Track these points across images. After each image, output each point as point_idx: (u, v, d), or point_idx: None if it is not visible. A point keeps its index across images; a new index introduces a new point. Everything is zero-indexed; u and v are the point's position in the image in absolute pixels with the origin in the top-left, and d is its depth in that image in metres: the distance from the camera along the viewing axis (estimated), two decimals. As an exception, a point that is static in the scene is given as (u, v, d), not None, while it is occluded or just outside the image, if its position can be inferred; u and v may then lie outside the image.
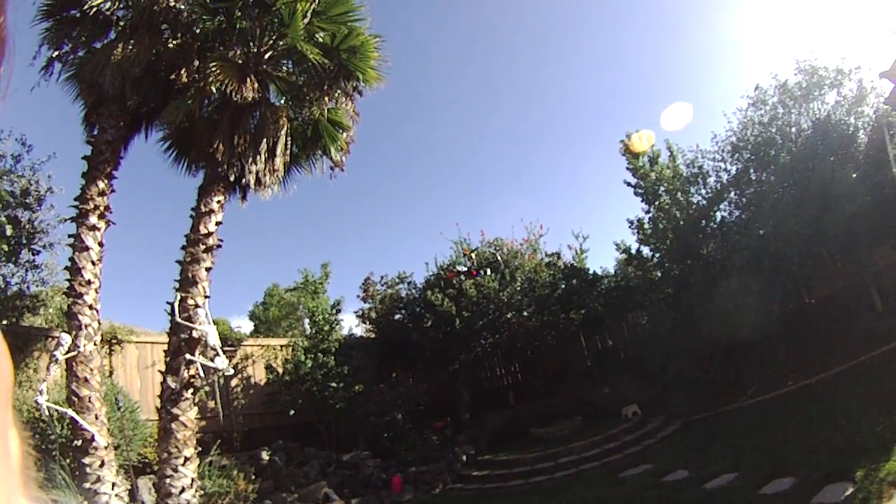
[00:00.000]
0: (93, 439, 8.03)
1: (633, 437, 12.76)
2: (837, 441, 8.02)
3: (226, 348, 12.05)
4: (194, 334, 8.93)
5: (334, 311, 16.65)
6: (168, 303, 9.44)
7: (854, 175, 12.57)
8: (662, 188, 15.25)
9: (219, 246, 10.08)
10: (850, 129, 13.15)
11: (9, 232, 10.85)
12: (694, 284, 14.15)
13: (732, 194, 14.77)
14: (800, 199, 12.70)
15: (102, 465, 8.09)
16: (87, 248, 8.97)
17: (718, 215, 15.11)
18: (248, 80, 10.03)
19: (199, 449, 9.21)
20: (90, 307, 8.82)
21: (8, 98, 0.73)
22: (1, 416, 0.68)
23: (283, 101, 12.02)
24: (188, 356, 8.81)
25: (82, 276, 8.82)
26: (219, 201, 10.25)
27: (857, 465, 6.94)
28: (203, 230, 9.84)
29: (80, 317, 8.64)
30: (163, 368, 9.20)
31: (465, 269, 18.08)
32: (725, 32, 31.54)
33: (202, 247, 9.73)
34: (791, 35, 27.94)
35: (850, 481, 6.62)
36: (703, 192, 15.12)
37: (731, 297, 13.11)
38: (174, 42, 10.44)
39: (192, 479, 8.68)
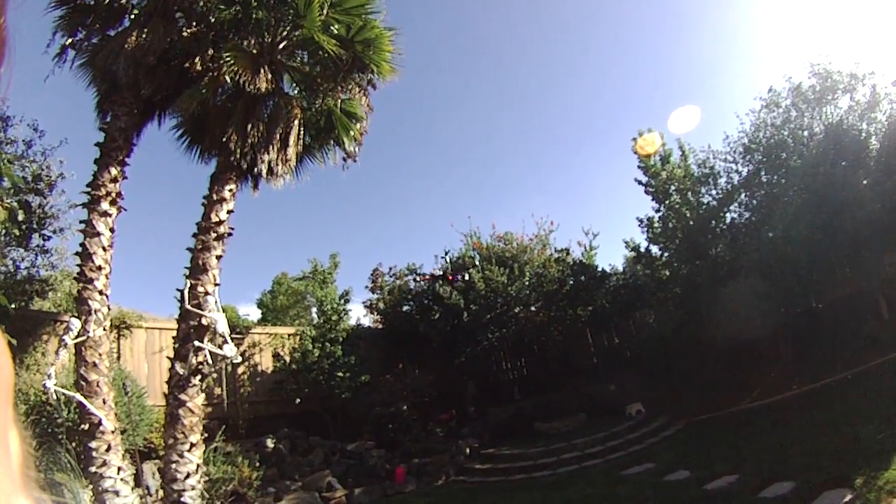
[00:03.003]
0: (100, 424, 8.10)
1: (636, 435, 12.77)
2: (838, 447, 8.03)
3: (234, 336, 12.18)
4: (203, 321, 8.99)
5: (342, 301, 16.66)
6: (178, 290, 9.49)
7: (865, 181, 12.53)
8: (673, 187, 15.20)
9: (230, 234, 10.12)
10: (863, 135, 13.06)
11: (20, 217, 10.92)
12: (702, 285, 14.15)
13: (743, 196, 14.72)
14: (810, 203, 12.63)
15: (109, 449, 8.17)
16: (98, 234, 9.03)
17: (728, 216, 15.02)
18: (262, 70, 10.04)
19: (205, 435, 9.29)
20: (100, 292, 8.88)
21: (8, 96, 0.75)
22: (1, 415, 0.68)
23: (296, 92, 12.08)
24: (197, 343, 8.87)
25: (93, 261, 8.88)
26: (230, 190, 10.29)
27: (857, 472, 6.94)
28: (214, 218, 9.88)
29: (90, 302, 8.71)
30: (171, 354, 9.27)
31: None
32: (739, 34, 31.54)
33: (213, 235, 9.77)
34: (805, 38, 27.78)
35: (849, 488, 6.62)
36: (714, 192, 15.03)
37: (738, 299, 13.11)
38: (188, 31, 10.47)
39: (198, 465, 8.75)
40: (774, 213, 13.38)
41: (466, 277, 17.58)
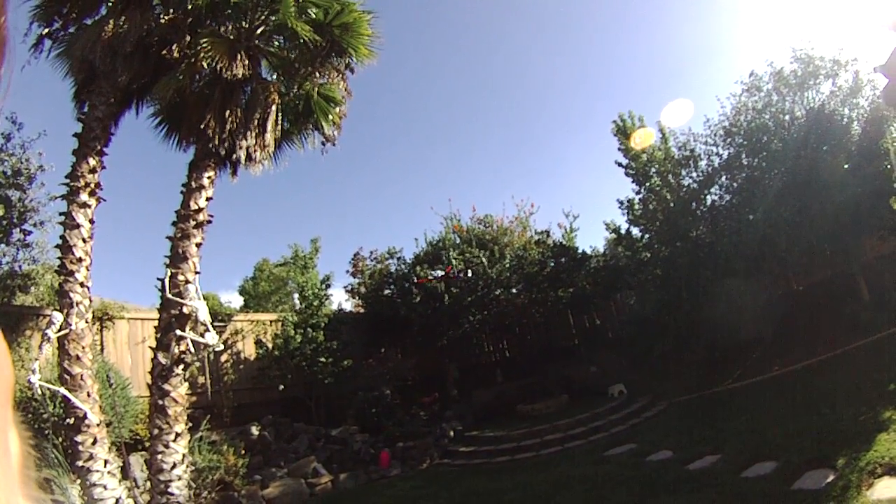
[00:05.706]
0: (85, 417, 8.04)
1: (618, 416, 12.90)
2: (819, 428, 8.10)
3: (216, 324, 12.08)
4: (185, 310, 8.90)
5: (324, 287, 16.61)
6: (158, 279, 9.39)
7: (846, 165, 12.60)
8: (654, 170, 15.26)
9: (209, 222, 10.01)
10: (844, 119, 13.13)
11: (1, 212, 10.78)
12: (682, 266, 14.22)
13: (723, 179, 14.80)
14: (791, 186, 12.73)
15: (95, 442, 8.11)
16: (77, 226, 8.90)
17: (709, 199, 15.13)
18: (239, 55, 9.92)
19: (190, 424, 9.23)
20: (81, 285, 8.77)
21: (8, 97, 0.74)
22: (1, 416, 0.69)
23: (274, 77, 11.92)
24: (179, 332, 8.79)
25: (73, 253, 8.76)
26: (209, 177, 10.17)
27: (839, 452, 7.01)
28: (193, 206, 9.77)
29: (71, 294, 8.60)
30: (153, 345, 9.16)
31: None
32: (721, 19, 31.42)
33: (192, 223, 9.67)
34: (788, 23, 27.80)
35: (830, 468, 6.70)
36: (694, 175, 15.11)
37: (718, 281, 13.22)
38: (165, 18, 10.27)
39: (184, 455, 8.71)
40: (755, 196, 13.47)
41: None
